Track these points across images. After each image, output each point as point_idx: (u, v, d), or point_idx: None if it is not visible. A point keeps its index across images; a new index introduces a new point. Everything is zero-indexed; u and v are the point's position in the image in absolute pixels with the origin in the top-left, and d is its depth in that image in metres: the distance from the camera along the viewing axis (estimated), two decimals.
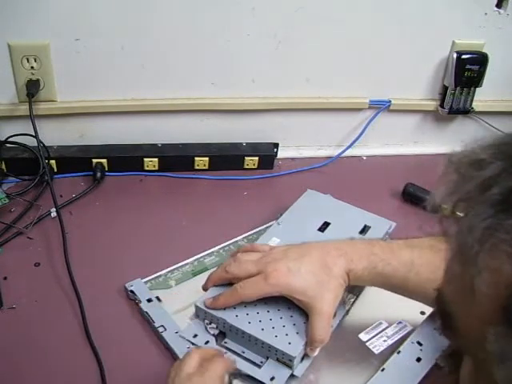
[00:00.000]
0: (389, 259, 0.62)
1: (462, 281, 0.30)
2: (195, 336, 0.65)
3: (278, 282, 0.62)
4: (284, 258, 0.64)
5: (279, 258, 0.64)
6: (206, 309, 0.65)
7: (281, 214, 0.81)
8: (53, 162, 0.91)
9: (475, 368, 0.33)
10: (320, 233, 0.78)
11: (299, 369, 0.62)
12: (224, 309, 0.64)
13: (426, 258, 0.62)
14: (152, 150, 0.96)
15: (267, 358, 0.62)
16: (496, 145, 0.32)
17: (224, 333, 0.65)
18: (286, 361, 0.61)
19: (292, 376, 0.61)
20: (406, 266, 0.62)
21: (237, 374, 0.61)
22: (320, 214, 0.81)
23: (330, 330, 0.62)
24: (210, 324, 0.65)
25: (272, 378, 0.60)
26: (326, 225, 0.79)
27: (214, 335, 0.65)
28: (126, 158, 0.94)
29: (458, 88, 1.01)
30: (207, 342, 0.64)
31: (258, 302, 0.65)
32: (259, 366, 0.61)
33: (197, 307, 0.66)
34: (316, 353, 0.62)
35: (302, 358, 0.62)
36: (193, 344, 0.64)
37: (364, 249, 0.64)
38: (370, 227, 0.79)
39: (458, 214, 0.31)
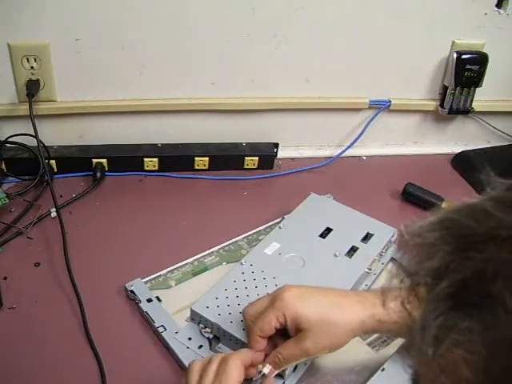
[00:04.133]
0: None
1: (428, 377, 0.29)
2: (190, 339, 0.65)
3: (282, 304, 0.57)
4: (297, 285, 0.60)
5: (292, 285, 0.60)
6: (201, 313, 0.65)
7: (283, 218, 0.81)
8: (53, 162, 0.91)
9: None
10: (321, 239, 0.78)
11: (291, 379, 0.61)
12: (219, 314, 0.64)
13: None
14: (152, 150, 0.96)
15: None
16: (443, 221, 0.29)
17: (218, 337, 0.65)
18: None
19: None
20: None
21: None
22: (323, 219, 0.81)
23: (290, 363, 0.58)
24: (205, 328, 0.65)
25: None
26: (327, 231, 0.79)
27: (208, 339, 0.65)
28: (126, 158, 0.94)
29: (458, 88, 1.01)
30: (201, 346, 0.64)
31: None
32: None
33: (192, 311, 0.66)
34: (269, 374, 0.57)
35: (295, 368, 0.62)
36: (188, 348, 0.64)
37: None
38: (372, 235, 0.79)
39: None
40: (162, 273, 0.75)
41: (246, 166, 0.99)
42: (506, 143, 1.12)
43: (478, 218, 0.27)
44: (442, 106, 1.04)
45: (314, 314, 0.56)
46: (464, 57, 0.98)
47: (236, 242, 0.82)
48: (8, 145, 0.89)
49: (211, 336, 0.65)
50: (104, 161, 0.93)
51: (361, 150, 1.07)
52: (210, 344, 0.65)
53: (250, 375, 0.57)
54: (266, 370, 0.57)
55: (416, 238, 0.30)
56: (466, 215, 0.28)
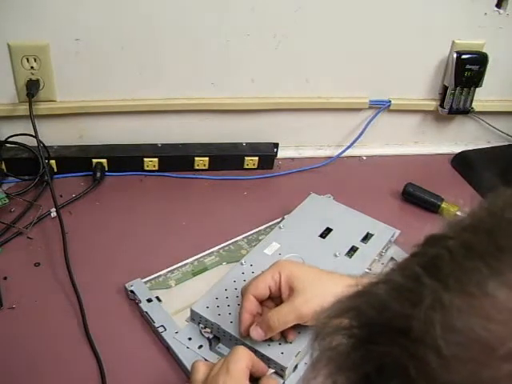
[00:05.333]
0: None
1: None
2: (190, 339, 0.65)
3: (278, 265, 0.62)
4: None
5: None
6: (201, 313, 0.65)
7: (283, 218, 0.81)
8: (53, 161, 0.91)
9: None
10: (321, 239, 0.78)
11: (291, 378, 0.61)
12: (219, 314, 0.64)
13: None
14: (152, 150, 0.96)
15: None
16: (349, 309, 0.29)
17: (218, 337, 0.65)
18: (277, 370, 0.60)
19: None
20: None
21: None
22: (323, 219, 0.81)
23: (283, 326, 0.59)
24: (205, 328, 0.65)
25: None
26: (327, 231, 0.79)
27: (208, 339, 0.65)
28: (126, 158, 0.94)
29: (458, 88, 1.01)
30: (201, 346, 0.64)
31: None
32: None
33: (192, 311, 0.66)
34: (257, 336, 0.59)
35: (295, 368, 0.62)
36: (188, 348, 0.64)
37: None
38: (372, 235, 0.79)
39: None
40: (161, 273, 0.75)
41: (245, 166, 0.99)
42: (506, 143, 1.12)
43: (376, 308, 0.27)
44: (442, 105, 1.04)
45: (308, 275, 0.61)
46: (464, 57, 0.98)
47: (236, 241, 0.82)
48: (8, 145, 0.89)
49: (211, 336, 0.65)
50: (104, 161, 0.93)
51: (361, 150, 1.07)
52: (210, 344, 0.65)
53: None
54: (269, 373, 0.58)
55: (324, 327, 0.29)
56: (367, 304, 0.28)
